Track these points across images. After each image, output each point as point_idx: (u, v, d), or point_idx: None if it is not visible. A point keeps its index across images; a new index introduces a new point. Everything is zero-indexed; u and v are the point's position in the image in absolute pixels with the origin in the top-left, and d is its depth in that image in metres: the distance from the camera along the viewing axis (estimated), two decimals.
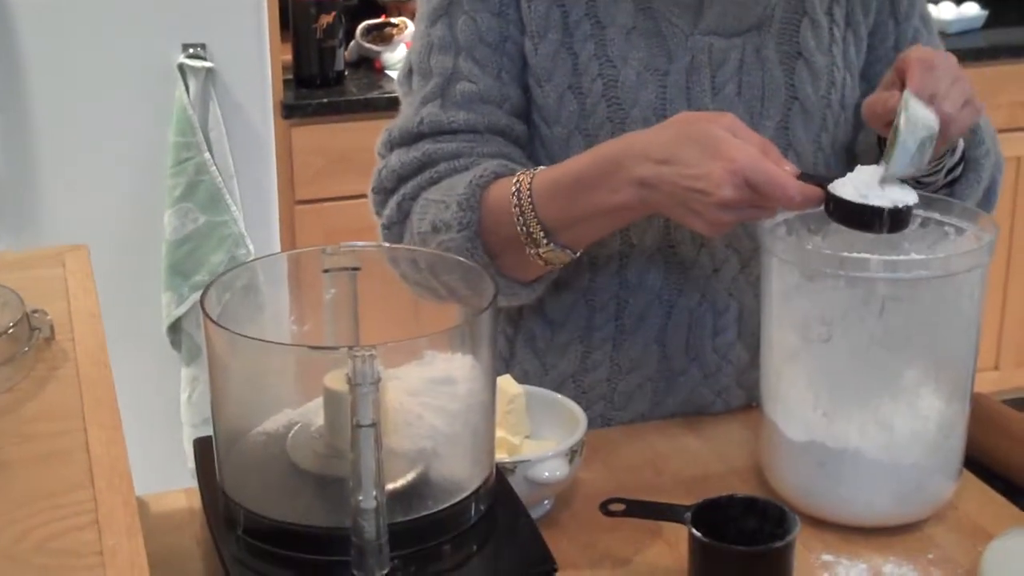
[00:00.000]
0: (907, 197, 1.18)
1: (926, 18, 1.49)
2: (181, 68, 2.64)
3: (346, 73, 2.95)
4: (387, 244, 1.40)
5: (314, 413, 1.09)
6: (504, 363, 1.48)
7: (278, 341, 1.10)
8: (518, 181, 1.30)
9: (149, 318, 2.71)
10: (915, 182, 1.27)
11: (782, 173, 1.17)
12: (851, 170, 1.20)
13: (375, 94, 2.87)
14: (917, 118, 1.19)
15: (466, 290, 1.14)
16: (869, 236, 1.23)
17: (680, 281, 1.43)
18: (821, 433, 1.23)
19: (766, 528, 1.11)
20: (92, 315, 1.12)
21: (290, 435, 1.08)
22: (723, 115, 1.22)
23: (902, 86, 1.23)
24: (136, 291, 2.70)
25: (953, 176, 1.40)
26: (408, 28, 3.03)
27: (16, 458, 0.92)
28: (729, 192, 1.17)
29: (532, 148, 1.42)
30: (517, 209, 1.29)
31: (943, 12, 3.37)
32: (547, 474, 1.20)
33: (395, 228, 1.39)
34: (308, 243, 2.81)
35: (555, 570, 1.05)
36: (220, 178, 2.66)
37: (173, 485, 1.33)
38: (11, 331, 1.02)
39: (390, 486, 1.00)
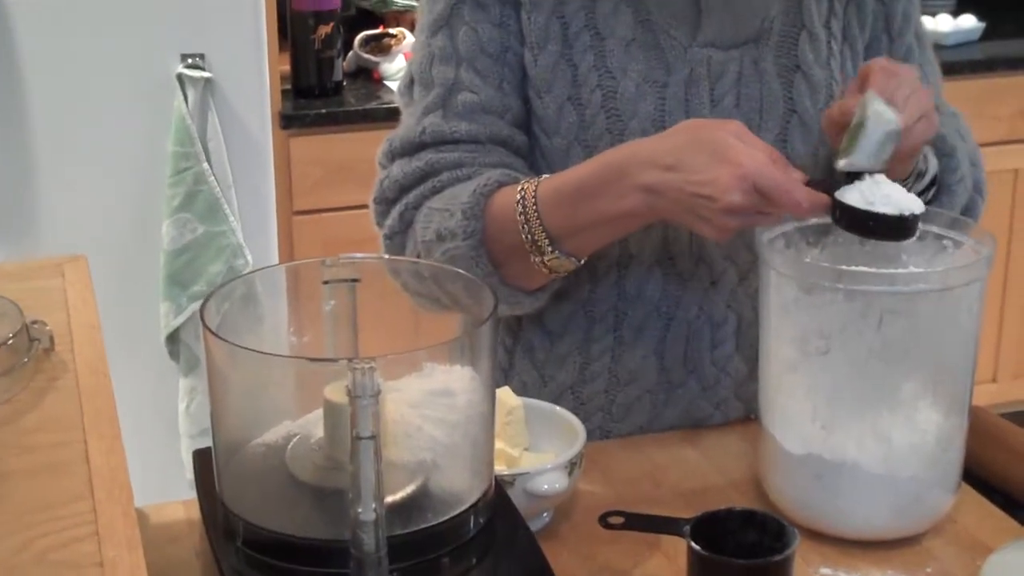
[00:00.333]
0: (913, 205, 1.19)
1: (920, 35, 1.49)
2: (180, 78, 2.64)
3: (344, 83, 2.95)
4: (387, 256, 1.40)
5: (314, 425, 1.09)
6: (503, 374, 1.49)
7: (278, 353, 1.10)
8: (523, 189, 1.30)
9: (147, 328, 2.71)
10: None
11: (790, 179, 1.18)
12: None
13: (373, 104, 2.87)
14: (882, 113, 1.19)
15: (468, 299, 1.15)
16: (867, 249, 1.23)
17: (678, 293, 1.43)
18: (819, 446, 1.23)
19: (765, 541, 1.11)
20: (91, 326, 1.12)
21: (289, 447, 1.08)
22: (729, 122, 1.23)
23: (863, 94, 1.23)
24: (134, 301, 2.70)
25: (924, 200, 1.40)
26: (406, 39, 3.03)
27: (16, 469, 0.92)
28: (737, 197, 1.17)
29: (533, 158, 1.42)
30: (522, 217, 1.30)
31: (940, 24, 3.37)
32: (546, 486, 1.20)
33: (397, 238, 1.39)
34: (306, 253, 2.81)
35: None
36: (218, 188, 2.66)
37: (171, 496, 1.33)
38: (11, 342, 1.03)
39: (389, 498, 1.00)
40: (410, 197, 1.38)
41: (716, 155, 1.19)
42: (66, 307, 1.15)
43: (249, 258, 2.69)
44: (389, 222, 1.40)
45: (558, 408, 1.32)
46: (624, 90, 1.37)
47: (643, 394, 1.45)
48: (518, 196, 1.30)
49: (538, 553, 1.07)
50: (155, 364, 2.73)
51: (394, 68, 3.01)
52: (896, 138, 1.19)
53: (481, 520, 1.06)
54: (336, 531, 0.99)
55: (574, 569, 1.19)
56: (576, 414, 1.31)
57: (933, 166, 1.39)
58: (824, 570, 1.20)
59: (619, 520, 1.18)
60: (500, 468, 1.20)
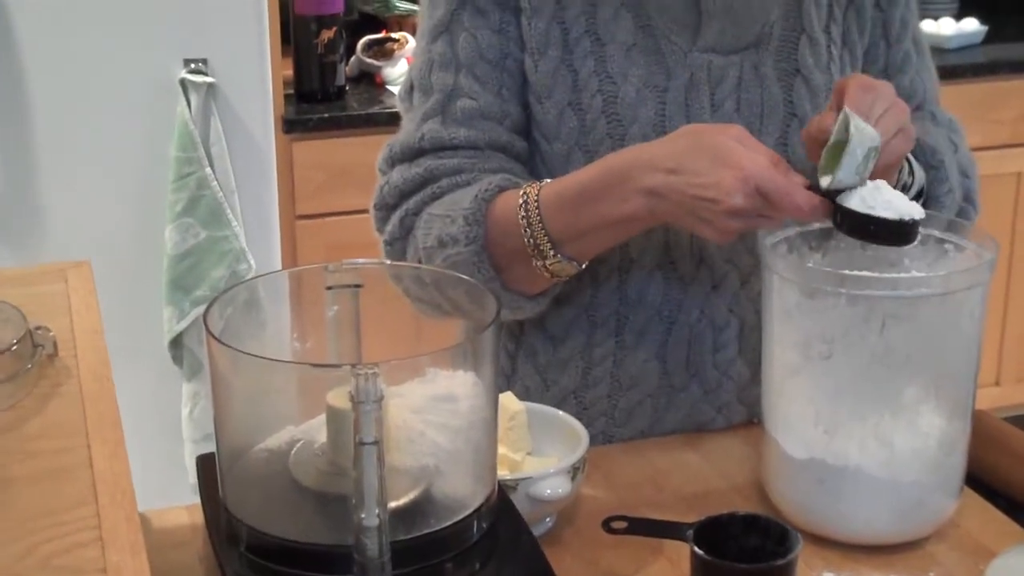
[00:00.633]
0: (914, 211, 1.19)
1: (918, 41, 1.49)
2: (183, 83, 2.65)
3: (347, 88, 2.96)
4: (389, 261, 1.40)
5: (317, 430, 1.09)
6: (506, 379, 1.49)
7: (281, 359, 1.10)
8: (525, 193, 1.30)
9: (150, 333, 2.71)
10: None
11: (792, 183, 1.18)
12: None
13: (376, 109, 2.88)
14: (863, 130, 1.19)
15: (470, 304, 1.15)
16: (869, 254, 1.23)
17: (680, 297, 1.43)
18: (822, 450, 1.23)
19: (768, 546, 1.11)
20: (95, 331, 1.12)
21: (292, 452, 1.08)
22: (731, 126, 1.23)
23: (839, 110, 1.22)
24: (137, 306, 2.70)
25: None
26: (409, 43, 3.04)
27: (19, 475, 0.92)
28: (740, 200, 1.17)
29: (533, 164, 1.42)
30: (524, 221, 1.30)
31: (943, 28, 3.37)
32: (549, 491, 1.20)
33: (398, 244, 1.40)
34: (309, 258, 2.81)
35: None
36: (221, 193, 2.66)
37: (174, 501, 1.33)
38: (14, 348, 1.03)
39: (393, 504, 1.00)
40: (410, 203, 1.38)
41: (718, 158, 1.19)
42: (69, 312, 1.15)
43: (252, 263, 2.69)
44: (389, 228, 1.40)
45: (561, 413, 1.32)
46: (625, 95, 1.37)
47: (645, 398, 1.46)
48: (521, 200, 1.30)
49: (541, 558, 1.07)
50: (158, 369, 2.73)
51: (397, 73, 3.02)
52: (877, 154, 1.19)
53: (484, 525, 1.06)
54: (339, 536, 0.99)
55: (577, 574, 1.19)
56: (578, 418, 1.31)
57: (920, 178, 1.39)
58: (827, 575, 1.20)
59: (622, 525, 1.18)
60: (503, 473, 1.20)
